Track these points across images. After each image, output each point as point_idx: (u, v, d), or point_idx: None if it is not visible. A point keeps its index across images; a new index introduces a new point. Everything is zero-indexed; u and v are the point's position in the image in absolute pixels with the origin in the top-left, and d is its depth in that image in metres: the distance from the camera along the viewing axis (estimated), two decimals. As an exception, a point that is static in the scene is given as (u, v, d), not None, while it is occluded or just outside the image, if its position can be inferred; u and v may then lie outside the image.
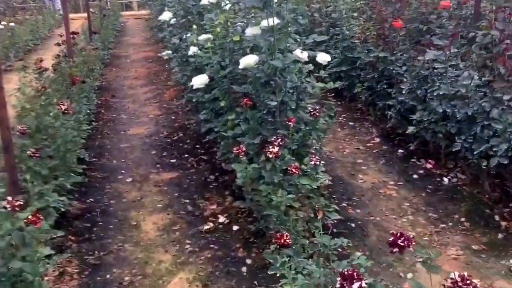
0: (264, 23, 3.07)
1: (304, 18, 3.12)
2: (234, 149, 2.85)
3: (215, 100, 3.57)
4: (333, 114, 3.13)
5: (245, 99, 3.00)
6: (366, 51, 5.15)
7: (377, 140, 4.71)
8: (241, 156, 2.83)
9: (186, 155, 4.52)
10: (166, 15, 4.42)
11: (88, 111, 5.15)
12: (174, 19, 4.68)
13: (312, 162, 2.79)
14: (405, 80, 4.40)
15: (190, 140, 4.88)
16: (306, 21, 3.24)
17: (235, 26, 3.62)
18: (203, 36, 3.92)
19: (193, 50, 4.01)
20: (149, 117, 5.75)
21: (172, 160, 4.44)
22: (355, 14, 5.64)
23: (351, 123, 5.20)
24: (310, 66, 3.15)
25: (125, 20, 14.66)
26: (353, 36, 5.49)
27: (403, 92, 4.24)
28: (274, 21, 2.87)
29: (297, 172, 2.68)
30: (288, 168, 2.69)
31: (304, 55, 3.12)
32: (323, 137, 3.11)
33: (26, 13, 13.48)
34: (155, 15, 9.52)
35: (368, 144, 4.64)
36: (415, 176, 3.96)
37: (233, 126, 3.36)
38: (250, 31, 3.36)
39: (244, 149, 2.85)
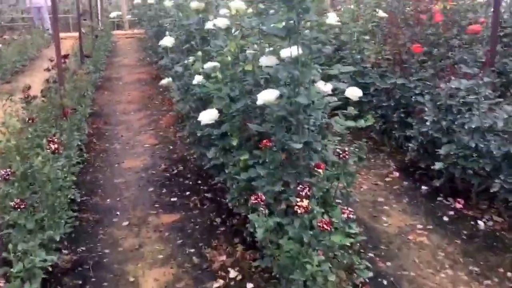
0: (284, 52, 2.70)
1: (329, 47, 2.74)
2: (252, 198, 2.44)
3: (224, 136, 3.17)
4: (364, 156, 2.74)
5: (265, 140, 2.59)
6: (379, 77, 4.79)
7: (396, 174, 4.32)
8: (261, 208, 2.42)
9: (188, 193, 4.09)
10: (168, 40, 4.03)
11: (79, 143, 4.72)
12: (175, 44, 4.28)
13: (345, 215, 2.38)
14: (426, 109, 4.03)
15: (191, 175, 4.46)
16: (331, 49, 2.86)
17: (247, 53, 3.23)
18: (209, 64, 3.53)
19: (198, 79, 3.61)
20: (144, 147, 5.32)
21: (172, 199, 4.01)
22: (367, 37, 5.28)
23: (364, 154, 4.81)
24: (335, 100, 2.76)
25: (117, 40, 14.27)
26: (364, 60, 5.14)
27: (427, 123, 3.86)
28: (299, 51, 2.49)
29: (328, 229, 2.27)
30: (318, 223, 2.28)
31: (328, 88, 2.74)
32: (353, 182, 2.71)
33: (14, 33, 13.05)
34: (150, 35, 9.14)
35: (387, 179, 4.25)
36: (445, 218, 3.56)
37: (246, 167, 2.96)
38: (265, 61, 2.98)
39: (263, 198, 2.44)
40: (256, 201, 2.43)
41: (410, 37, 4.59)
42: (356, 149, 2.76)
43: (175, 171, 4.58)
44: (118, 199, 4.08)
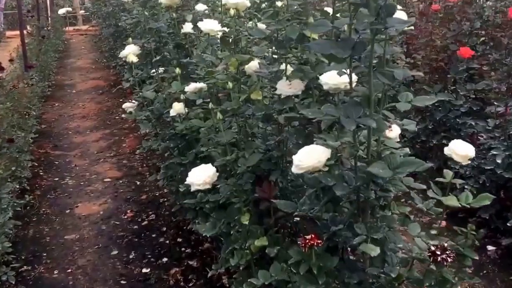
0: (331, 78, 1.68)
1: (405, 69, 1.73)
2: None
3: (225, 206, 2.11)
4: (473, 255, 1.72)
5: (311, 237, 1.53)
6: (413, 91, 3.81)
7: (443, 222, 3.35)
8: None
9: (165, 260, 3.02)
10: (131, 51, 2.92)
11: (17, 185, 3.59)
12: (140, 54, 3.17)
13: None
14: (485, 137, 3.10)
15: (166, 228, 3.38)
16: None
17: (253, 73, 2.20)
18: (193, 86, 2.49)
19: (177, 108, 2.55)
20: (104, 183, 4.20)
21: (144, 270, 2.93)
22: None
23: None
24: (407, 152, 1.73)
25: (69, 37, 12.90)
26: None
27: (498, 160, 2.90)
28: (371, 82, 1.47)
29: None
30: None
31: (395, 132, 1.72)
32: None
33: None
34: (106, 36, 7.91)
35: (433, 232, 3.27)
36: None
37: (260, 254, 1.93)
38: (284, 88, 1.99)
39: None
40: None
41: (455, 36, 3.59)
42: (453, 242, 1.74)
43: (146, 222, 3.50)
44: (70, 270, 2.97)
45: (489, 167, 2.99)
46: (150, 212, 3.62)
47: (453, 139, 3.63)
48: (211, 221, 2.05)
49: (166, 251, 3.11)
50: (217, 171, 2.01)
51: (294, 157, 1.60)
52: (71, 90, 7.56)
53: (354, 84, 1.75)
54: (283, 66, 2.09)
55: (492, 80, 3.46)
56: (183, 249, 3.11)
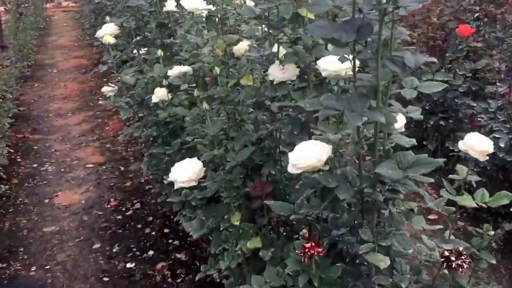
0: (331, 64, 1.50)
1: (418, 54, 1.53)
2: None
3: (215, 200, 1.93)
4: (491, 259, 1.55)
5: (311, 245, 1.34)
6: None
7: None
8: None
9: (151, 253, 2.84)
10: (108, 30, 2.69)
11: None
12: (120, 34, 2.94)
13: None
14: (485, 118, 2.93)
15: (153, 217, 3.20)
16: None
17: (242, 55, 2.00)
18: (177, 70, 2.29)
19: (159, 94, 2.34)
20: (86, 169, 3.99)
21: (129, 265, 2.75)
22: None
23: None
24: (413, 142, 1.54)
25: (51, 14, 12.48)
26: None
27: (501, 144, 2.74)
28: (379, 69, 1.27)
29: None
30: None
31: (401, 122, 1.53)
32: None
33: None
34: (87, 13, 7.59)
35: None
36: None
37: (254, 256, 1.76)
38: (277, 73, 1.81)
39: None
40: None
41: (454, 13, 3.37)
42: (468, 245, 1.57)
43: (130, 211, 3.31)
44: (48, 266, 2.79)
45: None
46: (135, 201, 3.43)
47: (450, 120, 3.49)
48: (198, 219, 1.87)
49: (152, 243, 2.93)
50: (203, 165, 1.82)
51: (290, 154, 1.41)
52: (52, 70, 7.26)
53: (350, 72, 1.57)
54: (275, 49, 1.89)
55: (493, 59, 3.29)
56: (170, 241, 2.94)
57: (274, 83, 1.85)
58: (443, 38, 3.58)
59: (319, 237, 1.53)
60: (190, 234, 1.94)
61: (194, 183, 1.77)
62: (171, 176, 1.78)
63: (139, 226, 3.12)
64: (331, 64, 1.56)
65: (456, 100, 3.30)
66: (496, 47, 3.33)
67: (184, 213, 2.50)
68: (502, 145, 2.82)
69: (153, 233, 3.03)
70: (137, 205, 3.37)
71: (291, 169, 1.40)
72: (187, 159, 1.82)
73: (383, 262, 1.28)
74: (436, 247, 1.55)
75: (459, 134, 3.09)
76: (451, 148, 3.30)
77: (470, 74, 3.44)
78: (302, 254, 1.35)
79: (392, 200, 1.43)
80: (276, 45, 1.88)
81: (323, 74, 1.59)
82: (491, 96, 3.23)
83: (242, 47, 2.06)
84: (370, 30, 1.26)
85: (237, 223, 1.75)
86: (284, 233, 1.88)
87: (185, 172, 1.76)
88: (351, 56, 1.35)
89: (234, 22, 2.13)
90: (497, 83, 3.10)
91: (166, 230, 3.04)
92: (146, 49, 2.88)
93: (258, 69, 2.20)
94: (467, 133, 1.47)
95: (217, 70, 1.89)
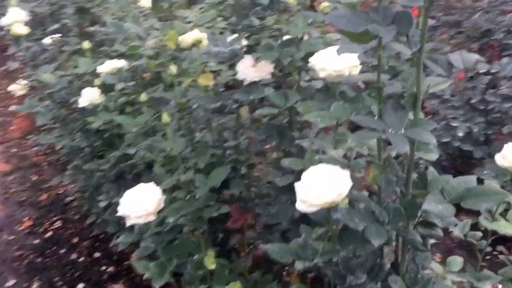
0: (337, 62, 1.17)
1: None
2: None
3: (174, 231, 1.52)
4: None
5: None
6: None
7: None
8: None
9: (82, 286, 2.37)
10: (15, 17, 2.15)
11: None
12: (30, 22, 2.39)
13: None
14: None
15: (79, 238, 2.71)
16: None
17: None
18: (109, 66, 1.86)
19: (89, 98, 1.88)
20: (-10, 181, 3.38)
21: (54, 305, 2.28)
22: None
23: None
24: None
25: None
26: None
27: (459, 133, 2.50)
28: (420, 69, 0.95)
29: None
30: None
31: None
32: None
33: None
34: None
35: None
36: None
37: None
38: (248, 72, 1.47)
39: None
40: None
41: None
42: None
43: (50, 232, 2.78)
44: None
45: (446, 140, 2.60)
46: (55, 218, 2.90)
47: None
48: (157, 262, 1.45)
49: (81, 273, 2.45)
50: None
51: (297, 187, 1.05)
52: None
53: (358, 71, 1.26)
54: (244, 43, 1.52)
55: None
56: (103, 267, 2.47)
57: (245, 83, 1.49)
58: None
59: (330, 285, 1.19)
60: (144, 277, 1.52)
61: (152, 218, 1.36)
62: (122, 210, 1.35)
63: (62, 251, 2.62)
64: (332, 62, 1.22)
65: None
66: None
67: (121, 236, 2.10)
68: (460, 134, 2.59)
69: (81, 259, 2.55)
70: (58, 224, 2.85)
71: (301, 206, 1.04)
72: (141, 185, 1.40)
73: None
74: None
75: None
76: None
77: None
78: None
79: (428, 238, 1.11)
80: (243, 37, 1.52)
81: (321, 74, 1.25)
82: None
83: (192, 37, 1.67)
84: (411, 21, 0.92)
85: (213, 267, 1.37)
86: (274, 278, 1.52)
87: (141, 204, 1.34)
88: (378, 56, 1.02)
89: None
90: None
91: (97, 254, 2.56)
92: (62, 38, 2.38)
93: (213, 66, 1.84)
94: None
95: (173, 69, 1.47)
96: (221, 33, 2.47)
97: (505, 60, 2.45)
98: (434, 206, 0.97)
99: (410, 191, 1.05)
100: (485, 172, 2.25)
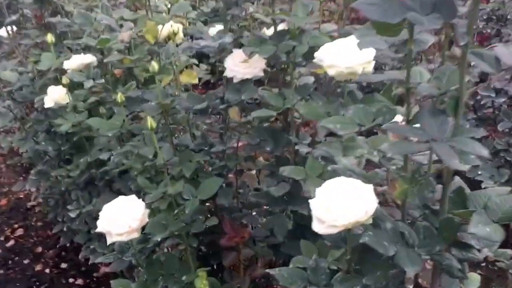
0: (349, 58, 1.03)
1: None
2: None
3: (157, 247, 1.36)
4: None
5: None
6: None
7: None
8: None
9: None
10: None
11: None
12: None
13: None
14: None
15: (43, 247, 2.50)
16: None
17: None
18: (75, 61, 1.68)
19: (55, 97, 1.68)
20: None
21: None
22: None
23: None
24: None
25: None
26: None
27: None
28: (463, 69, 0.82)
29: None
30: None
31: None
32: None
33: None
34: None
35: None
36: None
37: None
38: (238, 68, 1.34)
39: None
40: None
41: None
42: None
43: (11, 241, 2.56)
44: None
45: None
46: (16, 225, 2.68)
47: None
48: (140, 281, 1.29)
49: (48, 286, 2.25)
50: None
51: (313, 205, 0.90)
52: None
53: (369, 68, 1.13)
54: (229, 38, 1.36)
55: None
56: (71, 279, 2.28)
57: (235, 81, 1.34)
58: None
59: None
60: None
61: (136, 235, 1.19)
62: (102, 226, 1.18)
63: (26, 261, 2.41)
64: (343, 58, 1.08)
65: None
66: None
67: (92, 246, 1.94)
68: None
69: (47, 270, 2.34)
70: (20, 231, 2.63)
71: (318, 227, 0.89)
72: (121, 197, 1.23)
73: None
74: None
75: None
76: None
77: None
78: None
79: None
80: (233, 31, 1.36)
81: (330, 72, 1.10)
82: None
83: (167, 29, 1.51)
84: (455, 8, 0.78)
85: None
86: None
87: (123, 219, 1.18)
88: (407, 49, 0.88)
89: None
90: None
91: (63, 265, 2.36)
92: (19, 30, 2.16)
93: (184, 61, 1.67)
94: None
95: (154, 65, 1.30)
96: (190, 23, 2.30)
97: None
98: (482, 229, 0.84)
99: (447, 209, 0.92)
100: (479, 173, 2.19)
